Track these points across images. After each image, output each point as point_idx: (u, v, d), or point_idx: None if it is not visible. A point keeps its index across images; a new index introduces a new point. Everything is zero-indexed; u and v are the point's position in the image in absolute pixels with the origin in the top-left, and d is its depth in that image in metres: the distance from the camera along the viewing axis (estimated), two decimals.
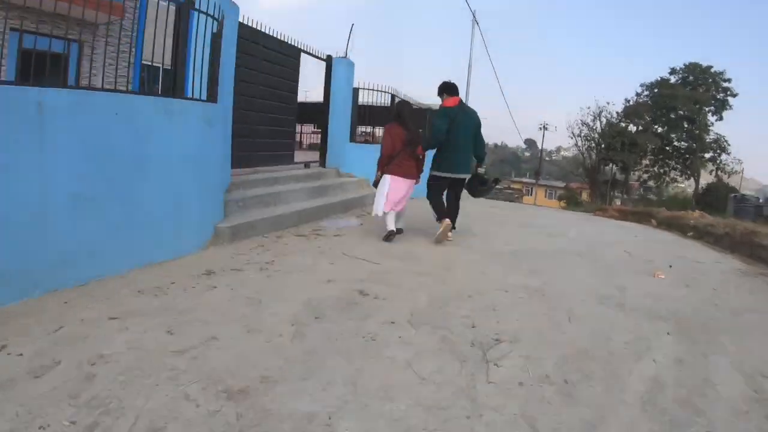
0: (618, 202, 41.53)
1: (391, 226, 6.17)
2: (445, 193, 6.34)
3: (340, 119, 9.40)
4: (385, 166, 6.10)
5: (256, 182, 6.89)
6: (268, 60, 7.55)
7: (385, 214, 6.18)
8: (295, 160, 8.80)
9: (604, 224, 10.48)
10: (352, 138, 9.87)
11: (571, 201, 39.12)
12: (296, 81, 8.39)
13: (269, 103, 7.70)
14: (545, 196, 50.34)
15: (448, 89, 6.03)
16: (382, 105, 10.47)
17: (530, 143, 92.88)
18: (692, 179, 43.07)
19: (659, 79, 43.13)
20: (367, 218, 7.72)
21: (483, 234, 7.28)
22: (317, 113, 10.03)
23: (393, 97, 10.46)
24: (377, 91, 10.04)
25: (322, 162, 9.47)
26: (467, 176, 6.13)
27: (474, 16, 20.98)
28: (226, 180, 6.07)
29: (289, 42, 8.08)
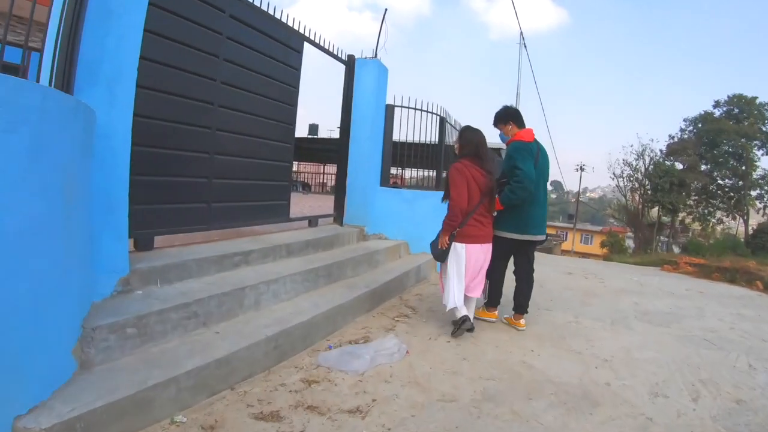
0: (664, 247, 37.44)
1: (465, 309, 3.96)
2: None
3: (365, 151, 6.00)
4: (456, 228, 3.85)
5: (202, 264, 3.44)
6: (242, 42, 4.22)
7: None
8: (293, 214, 5.35)
9: (714, 293, 6.66)
10: (385, 180, 6.44)
11: (614, 248, 35.07)
12: (295, 86, 5.02)
13: (244, 118, 4.33)
14: (581, 241, 46.29)
15: (515, 117, 4.27)
16: (426, 140, 6.86)
17: (555, 184, 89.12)
18: (738, 219, 38.92)
19: (702, 113, 39.75)
20: (416, 321, 4.23)
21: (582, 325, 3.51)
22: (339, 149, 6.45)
23: (443, 121, 7.05)
24: (421, 111, 6.62)
25: (339, 216, 6.02)
26: (544, 238, 4.32)
27: (522, 38, 17.79)
28: (109, 266, 2.70)
29: (285, 21, 4.76)
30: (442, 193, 4.09)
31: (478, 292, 3.99)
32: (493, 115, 4.23)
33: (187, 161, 3.80)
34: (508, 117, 4.17)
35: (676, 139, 38.42)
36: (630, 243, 39.83)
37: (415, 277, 5.54)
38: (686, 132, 39.20)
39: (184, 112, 3.71)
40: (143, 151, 3.25)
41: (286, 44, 4.81)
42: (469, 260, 3.83)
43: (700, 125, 38.65)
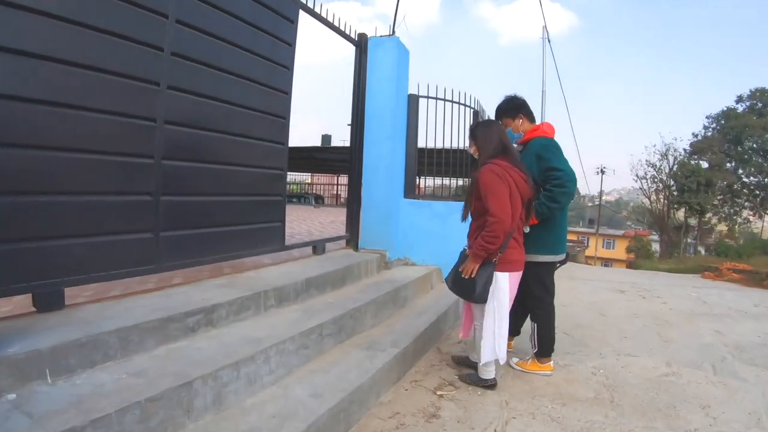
0: (691, 251, 35.33)
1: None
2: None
3: (383, 153, 4.58)
4: (497, 253, 2.77)
5: (130, 335, 2.04)
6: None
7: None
8: (295, 236, 4.07)
9: None
10: (410, 190, 4.99)
11: (641, 253, 33.11)
12: (289, 67, 3.61)
13: (211, 107, 2.95)
14: (603, 246, 44.21)
15: (525, 109, 3.28)
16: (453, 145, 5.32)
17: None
18: (765, 218, 36.67)
19: (725, 109, 37.72)
20: (469, 395, 2.82)
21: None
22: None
23: (477, 115, 5.61)
24: (452, 102, 5.19)
25: (352, 239, 4.61)
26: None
27: (546, 31, 16.28)
28: None
29: None
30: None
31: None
32: (496, 109, 3.30)
33: (117, 170, 2.42)
34: (517, 109, 3.23)
35: (699, 137, 36.44)
36: (655, 247, 37.78)
37: (454, 315, 4.08)
38: (710, 129, 37.22)
39: (109, 95, 2.33)
40: (31, 156, 1.88)
41: (275, 10, 3.42)
42: (511, 295, 2.89)
43: (723, 122, 36.71)
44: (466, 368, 3.17)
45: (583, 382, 3.08)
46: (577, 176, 3.01)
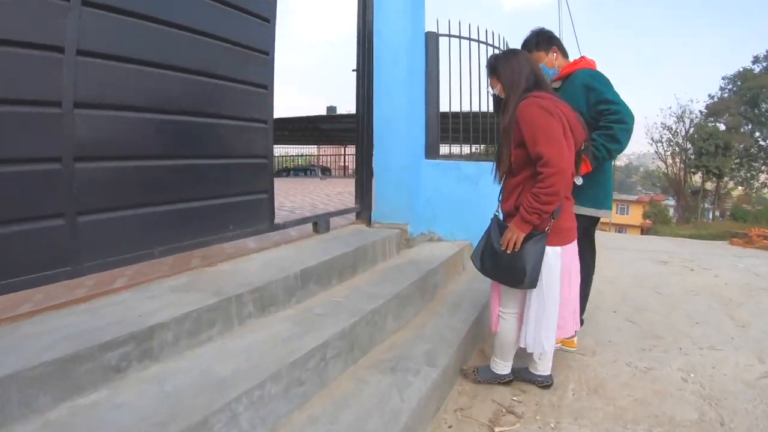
0: (708, 215, 34.15)
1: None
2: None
3: (399, 104, 3.56)
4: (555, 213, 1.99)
5: None
6: None
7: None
8: (292, 211, 3.18)
9: None
10: (433, 149, 3.95)
11: (658, 218, 31.96)
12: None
13: (151, 31, 1.96)
14: (617, 212, 42.94)
15: (559, 41, 2.68)
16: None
17: None
18: None
19: (742, 69, 36.09)
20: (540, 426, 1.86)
21: None
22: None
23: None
24: (478, 42, 4.15)
25: (364, 211, 3.63)
26: None
27: None
28: None
29: None
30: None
31: (576, 325, 2.32)
32: (522, 44, 2.62)
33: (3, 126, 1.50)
34: (549, 41, 2.59)
35: (716, 99, 34.88)
36: (671, 212, 36.57)
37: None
38: (726, 91, 35.64)
39: None
40: None
41: None
42: (567, 273, 2.11)
43: (739, 83, 35.17)
44: (527, 383, 2.29)
45: (677, 393, 2.25)
46: None
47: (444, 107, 4.02)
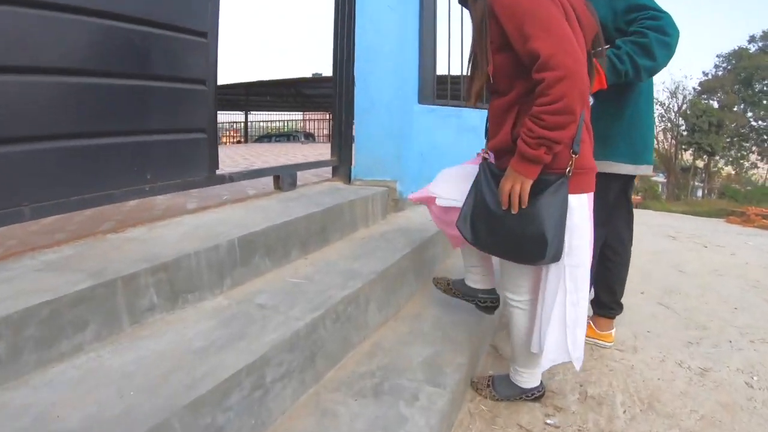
0: (699, 193, 33.97)
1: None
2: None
3: (387, 31, 2.77)
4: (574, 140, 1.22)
5: None
6: None
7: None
8: (231, 169, 2.43)
9: None
10: (426, 91, 3.06)
11: (648, 194, 31.69)
12: None
13: None
14: None
15: None
16: None
17: None
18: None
19: (737, 48, 35.56)
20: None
21: None
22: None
23: None
24: None
25: (342, 166, 2.86)
26: None
27: None
28: None
29: None
30: None
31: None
32: None
33: None
34: None
35: (710, 76, 34.31)
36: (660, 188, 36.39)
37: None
38: (720, 68, 35.12)
39: None
40: None
41: None
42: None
43: (734, 62, 34.66)
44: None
45: (748, 406, 1.68)
46: None
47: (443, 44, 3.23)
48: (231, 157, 5.84)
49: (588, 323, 2.00)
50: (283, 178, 2.39)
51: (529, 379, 1.57)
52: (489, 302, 1.69)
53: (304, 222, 1.84)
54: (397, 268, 1.80)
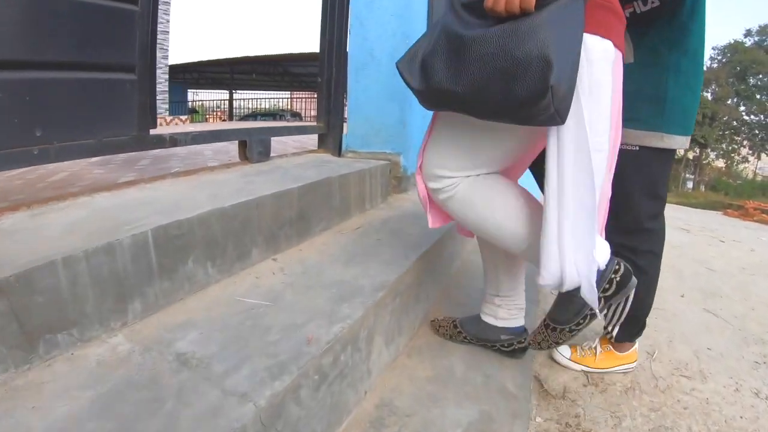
0: (689, 185, 33.93)
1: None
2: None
3: None
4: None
5: None
6: None
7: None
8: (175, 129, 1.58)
9: None
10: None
11: None
12: None
13: None
14: None
15: None
16: None
17: None
18: (761, 159, 35.69)
19: (732, 41, 35.49)
20: None
21: None
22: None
23: None
24: None
25: (331, 134, 2.19)
26: None
27: None
28: None
29: None
30: None
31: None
32: None
33: None
34: None
35: (705, 68, 34.13)
36: None
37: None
38: (715, 61, 34.96)
39: None
40: None
41: None
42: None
43: (729, 55, 34.55)
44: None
45: None
46: None
47: None
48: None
49: (604, 350, 1.45)
50: (251, 145, 1.75)
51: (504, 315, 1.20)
52: (516, 344, 1.21)
53: (272, 204, 1.22)
54: (412, 277, 1.20)
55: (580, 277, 0.88)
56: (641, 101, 1.15)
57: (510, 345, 1.19)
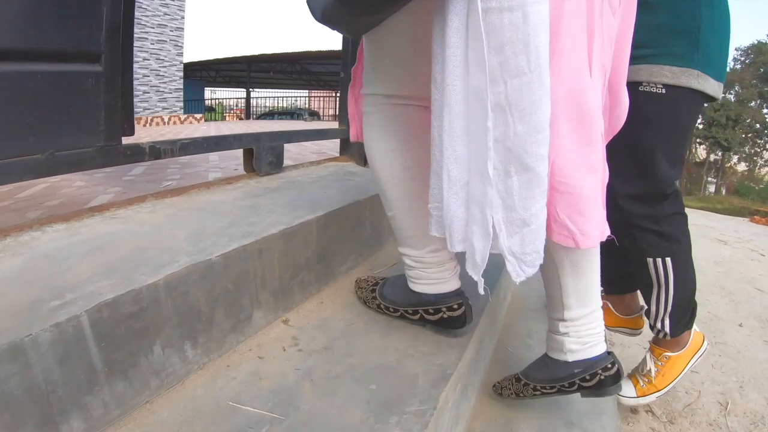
0: (712, 189, 33.06)
1: None
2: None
3: None
4: None
5: None
6: None
7: None
8: (157, 138, 1.40)
9: None
10: None
11: None
12: None
13: None
14: None
15: None
16: None
17: None
18: None
19: (756, 42, 34.70)
20: None
21: None
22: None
23: None
24: None
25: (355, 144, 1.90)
26: None
27: None
28: None
29: None
30: None
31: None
32: None
33: None
34: None
35: (728, 70, 33.27)
36: None
37: None
38: (739, 62, 34.11)
39: None
40: None
41: None
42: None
43: (752, 56, 33.74)
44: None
45: None
46: None
47: None
48: (205, 131, 4.86)
49: (662, 360, 1.16)
50: (260, 154, 1.40)
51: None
52: (601, 372, 0.83)
53: (281, 247, 0.87)
54: (474, 347, 0.84)
55: (472, 249, 0.65)
56: (672, 32, 0.97)
57: (593, 377, 0.83)
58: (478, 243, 0.64)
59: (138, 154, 1.04)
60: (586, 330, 0.83)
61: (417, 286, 0.87)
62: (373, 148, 0.85)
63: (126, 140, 1.03)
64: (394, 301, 0.91)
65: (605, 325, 0.87)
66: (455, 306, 0.84)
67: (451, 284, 0.86)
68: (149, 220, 0.93)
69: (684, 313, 1.13)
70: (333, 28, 0.74)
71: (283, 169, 1.51)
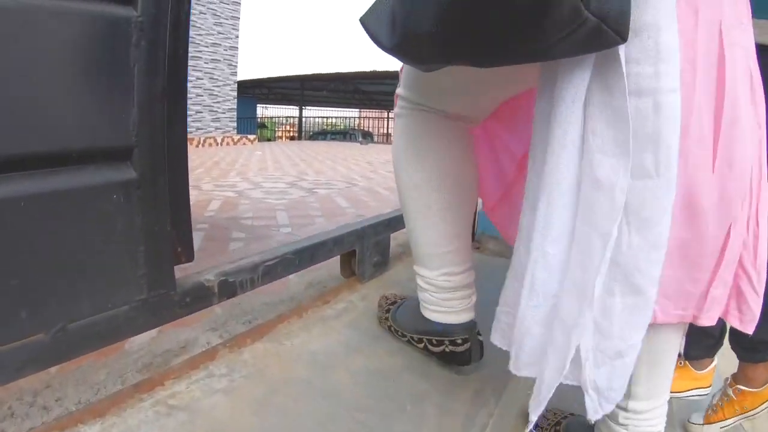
0: None
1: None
2: None
3: None
4: None
5: None
6: None
7: None
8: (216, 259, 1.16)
9: None
10: None
11: None
12: None
13: None
14: None
15: None
16: None
17: None
18: None
19: None
20: None
21: None
22: None
23: None
24: None
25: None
26: None
27: None
28: None
29: None
30: None
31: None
32: None
33: None
34: None
35: None
36: None
37: None
38: None
39: None
40: None
41: None
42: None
43: None
44: None
45: None
46: None
47: None
48: (260, 159, 4.56)
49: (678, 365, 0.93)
50: (363, 254, 1.00)
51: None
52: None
53: None
54: None
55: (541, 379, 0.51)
56: None
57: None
58: (550, 374, 0.50)
59: (202, 298, 0.64)
60: (647, 425, 0.67)
61: (426, 312, 0.82)
62: (399, 153, 0.79)
63: (180, 272, 0.64)
64: (402, 325, 0.87)
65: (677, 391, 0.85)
66: (459, 341, 0.79)
67: (462, 316, 0.80)
68: (226, 416, 0.53)
69: (706, 341, 1.03)
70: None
71: (390, 265, 1.09)
